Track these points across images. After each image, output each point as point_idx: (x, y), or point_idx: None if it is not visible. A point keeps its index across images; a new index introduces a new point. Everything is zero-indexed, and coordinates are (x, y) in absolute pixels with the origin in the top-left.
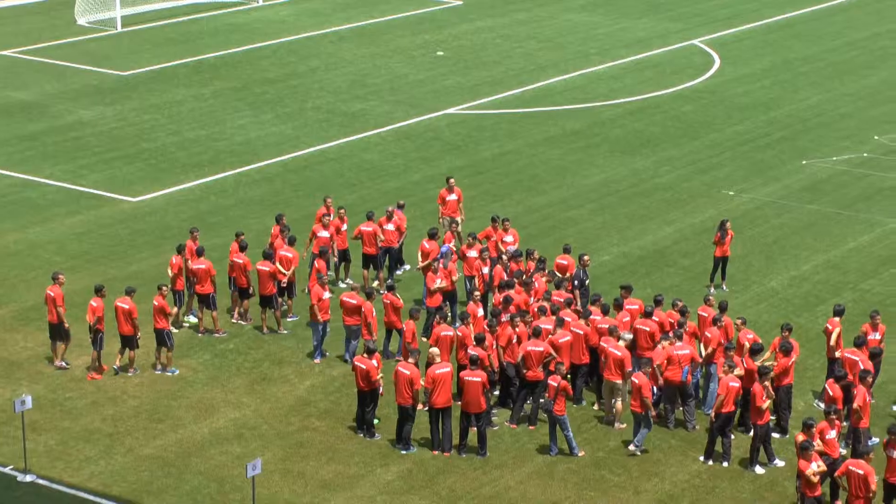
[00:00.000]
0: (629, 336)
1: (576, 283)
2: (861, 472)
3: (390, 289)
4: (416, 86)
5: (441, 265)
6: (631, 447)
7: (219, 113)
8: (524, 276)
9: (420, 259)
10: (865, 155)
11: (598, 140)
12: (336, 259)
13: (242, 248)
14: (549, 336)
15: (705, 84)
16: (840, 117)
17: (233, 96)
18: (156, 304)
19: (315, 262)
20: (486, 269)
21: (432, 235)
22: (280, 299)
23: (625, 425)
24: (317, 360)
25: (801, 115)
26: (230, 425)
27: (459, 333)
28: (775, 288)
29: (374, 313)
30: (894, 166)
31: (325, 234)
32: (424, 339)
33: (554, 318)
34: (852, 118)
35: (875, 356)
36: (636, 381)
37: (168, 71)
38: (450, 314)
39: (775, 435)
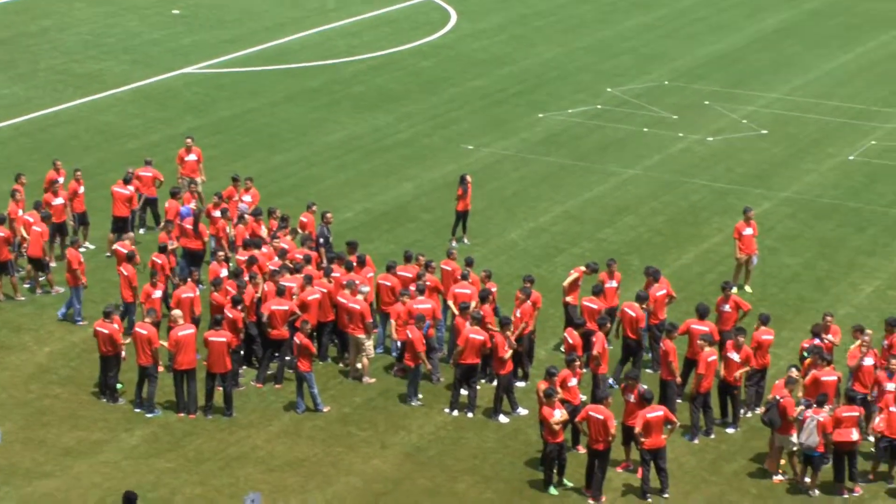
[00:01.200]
0: (366, 289)
1: (320, 240)
2: (601, 416)
3: (162, 250)
4: (153, 45)
5: (187, 226)
6: (414, 402)
7: None
8: (270, 235)
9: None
10: (599, 107)
11: (339, 97)
12: (74, 223)
13: None
14: (300, 294)
15: (443, 39)
16: (574, 71)
17: None
18: None
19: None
20: (229, 229)
21: (174, 194)
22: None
23: (374, 380)
24: (81, 322)
25: (536, 70)
26: None
27: (213, 301)
28: (515, 240)
29: (137, 278)
30: (627, 117)
31: (59, 201)
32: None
33: (301, 276)
34: (586, 72)
35: (641, 299)
36: (410, 336)
37: None
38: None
39: (518, 384)
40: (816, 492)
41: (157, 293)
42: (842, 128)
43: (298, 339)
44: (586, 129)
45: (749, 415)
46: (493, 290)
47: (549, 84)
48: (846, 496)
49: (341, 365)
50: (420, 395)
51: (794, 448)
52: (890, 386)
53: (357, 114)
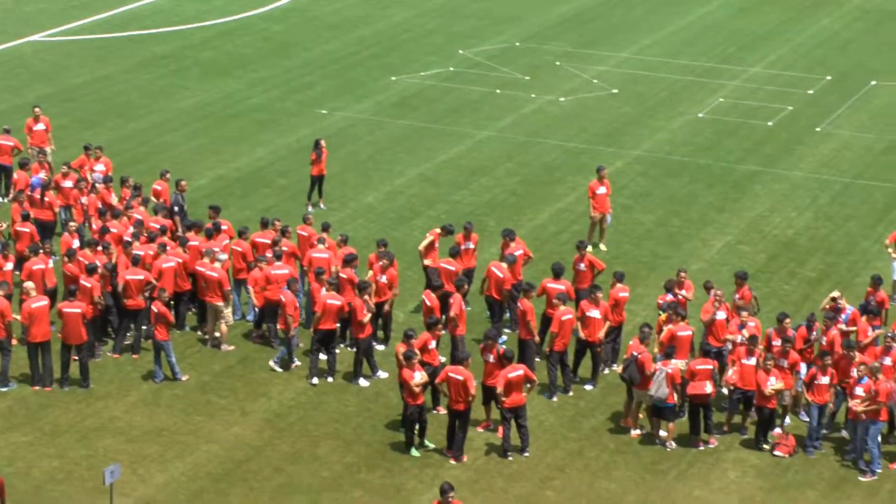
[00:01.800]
0: (224, 256)
1: (174, 208)
2: (460, 377)
3: (26, 218)
4: None
5: (38, 196)
6: (274, 366)
7: None
8: (123, 204)
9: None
10: (452, 69)
11: (190, 63)
12: None
13: None
14: (155, 262)
15: (294, 3)
16: (426, 33)
17: None
18: None
19: None
20: (83, 199)
21: (23, 165)
22: None
23: (233, 347)
24: None
25: (388, 33)
26: None
27: (67, 272)
28: (371, 203)
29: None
30: (479, 79)
31: None
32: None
33: (156, 245)
34: (438, 34)
35: (509, 262)
36: (283, 299)
37: None
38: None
39: (378, 347)
40: (673, 444)
41: (9, 265)
42: (690, 86)
43: (156, 307)
44: (440, 92)
45: (606, 371)
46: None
47: (402, 47)
48: (702, 448)
49: (199, 333)
50: (297, 363)
51: (651, 402)
52: (741, 338)
53: (208, 80)
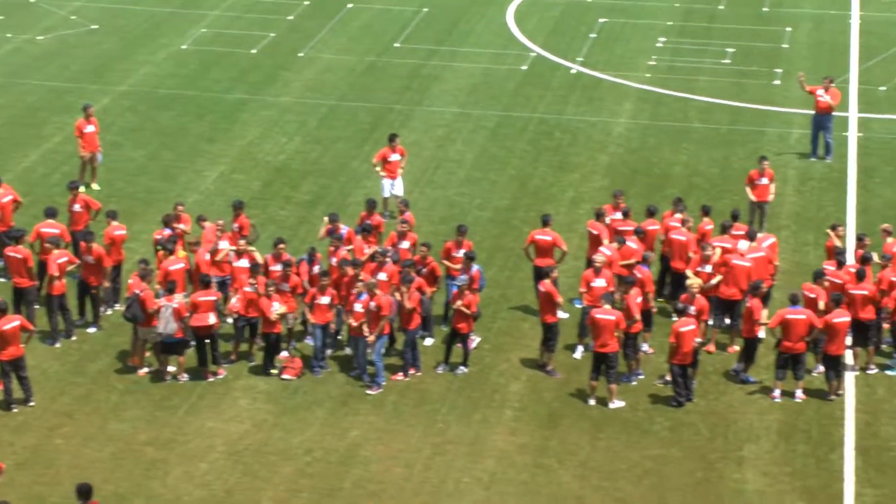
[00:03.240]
0: None
1: None
2: None
3: None
4: None
5: None
6: None
7: None
8: None
9: None
10: None
11: None
12: None
13: None
14: None
15: None
16: None
17: None
18: None
19: None
20: None
21: None
22: None
23: None
24: None
25: None
26: None
27: None
28: None
29: None
30: None
31: None
32: None
33: None
34: None
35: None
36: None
37: None
38: None
39: None
40: (185, 376)
41: None
42: (171, 17)
43: None
44: None
45: (109, 312)
46: None
47: None
48: (211, 379)
49: None
50: None
51: (160, 339)
52: (244, 263)
53: None
